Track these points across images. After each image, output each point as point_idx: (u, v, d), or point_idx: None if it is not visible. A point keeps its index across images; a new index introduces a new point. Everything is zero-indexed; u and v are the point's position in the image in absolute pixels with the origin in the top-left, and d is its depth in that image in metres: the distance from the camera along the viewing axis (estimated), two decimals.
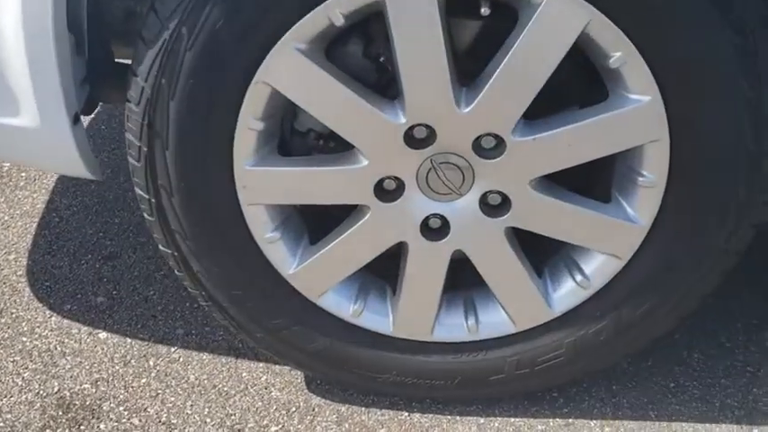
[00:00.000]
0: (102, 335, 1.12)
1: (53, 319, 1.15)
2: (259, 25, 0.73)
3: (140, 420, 1.00)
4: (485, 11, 0.76)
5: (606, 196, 0.88)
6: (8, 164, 1.52)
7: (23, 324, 1.14)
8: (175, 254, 0.88)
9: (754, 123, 0.79)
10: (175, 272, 0.91)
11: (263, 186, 0.84)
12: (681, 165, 0.81)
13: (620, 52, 0.74)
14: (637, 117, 0.78)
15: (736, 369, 1.08)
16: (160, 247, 0.89)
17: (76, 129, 0.83)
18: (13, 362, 1.07)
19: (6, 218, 1.36)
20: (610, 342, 0.94)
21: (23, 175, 1.49)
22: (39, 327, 1.13)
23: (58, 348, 1.10)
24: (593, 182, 0.88)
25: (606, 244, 0.88)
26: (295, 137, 0.88)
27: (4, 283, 1.21)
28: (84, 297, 1.19)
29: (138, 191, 0.85)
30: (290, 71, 0.76)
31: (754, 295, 1.19)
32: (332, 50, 0.80)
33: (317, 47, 0.77)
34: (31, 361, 1.08)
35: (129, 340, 1.11)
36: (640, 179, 0.83)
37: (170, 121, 0.77)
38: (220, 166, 0.81)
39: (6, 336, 1.12)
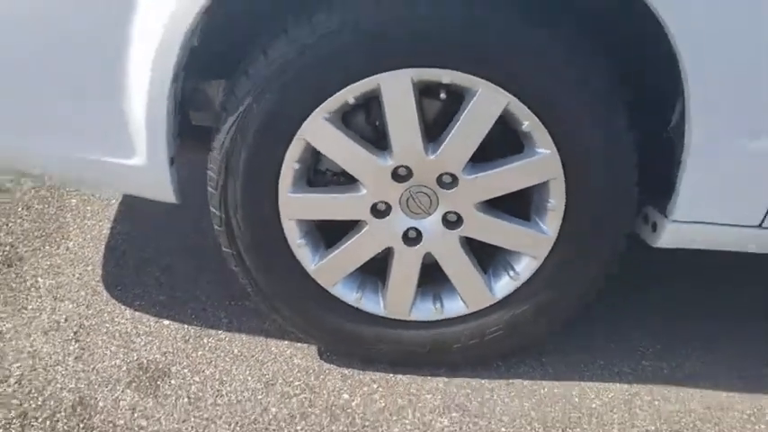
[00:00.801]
0: (166, 322, 1.51)
1: (127, 311, 1.53)
2: (300, 103, 1.16)
3: (200, 378, 1.38)
4: (443, 95, 1.20)
5: (527, 216, 1.30)
6: (75, 200, 1.93)
7: (105, 315, 1.52)
8: (234, 253, 1.28)
9: (621, 166, 1.21)
10: (232, 266, 1.31)
11: (297, 207, 1.26)
12: (573, 194, 1.23)
13: (528, 122, 1.17)
14: (542, 163, 1.21)
15: (630, 348, 1.49)
16: (223, 248, 1.29)
17: (172, 168, 1.24)
18: (101, 340, 1.45)
19: (80, 240, 1.75)
20: (533, 321, 1.35)
21: (89, 208, 1.88)
22: (117, 317, 1.51)
23: (134, 331, 1.48)
24: (519, 206, 1.30)
25: (528, 249, 1.30)
26: (317, 174, 1.30)
27: (87, 287, 1.59)
28: (149, 296, 1.58)
29: (212, 209, 1.26)
30: (319, 132, 1.18)
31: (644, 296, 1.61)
32: (346, 118, 1.23)
33: (336, 116, 1.19)
34: (115, 339, 1.46)
35: (186, 326, 1.50)
36: (548, 204, 1.25)
37: (241, 163, 1.19)
38: (270, 193, 1.22)
39: (93, 323, 1.50)
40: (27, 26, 1.14)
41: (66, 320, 1.49)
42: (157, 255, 1.70)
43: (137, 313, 1.53)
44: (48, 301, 1.54)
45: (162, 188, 1.25)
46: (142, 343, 1.45)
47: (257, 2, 1.17)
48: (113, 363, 1.40)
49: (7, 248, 1.69)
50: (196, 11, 1.08)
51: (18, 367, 1.37)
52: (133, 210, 1.88)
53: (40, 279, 1.60)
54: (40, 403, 1.30)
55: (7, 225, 1.78)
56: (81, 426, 1.26)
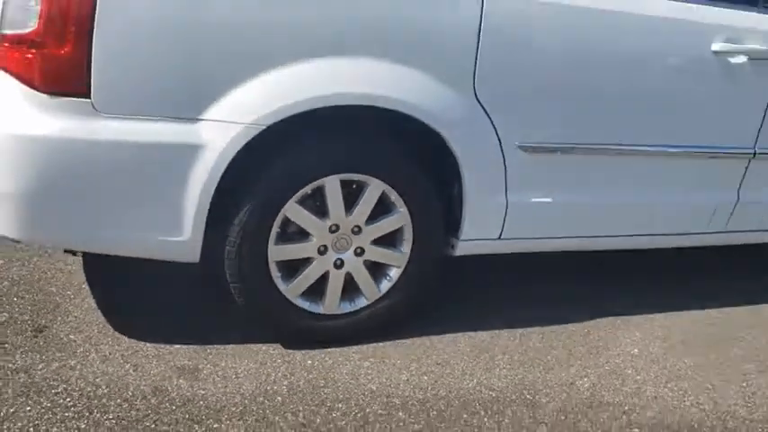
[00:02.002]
0: (199, 331, 2.34)
1: (169, 326, 2.33)
2: (284, 194, 2.19)
3: (226, 363, 2.24)
4: (354, 186, 2.31)
5: (395, 244, 2.44)
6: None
7: (154, 329, 2.30)
8: (240, 285, 2.23)
9: (435, 215, 2.43)
10: (238, 297, 2.25)
11: (277, 253, 2.25)
12: (416, 231, 2.41)
13: (393, 196, 2.33)
14: (401, 216, 2.37)
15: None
16: (231, 283, 2.23)
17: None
18: (160, 341, 2.24)
19: (84, 305, 2.48)
20: (400, 305, 2.48)
21: (73, 277, 2.60)
22: (162, 329, 2.31)
23: (175, 334, 2.29)
24: (391, 239, 2.45)
25: (396, 262, 2.44)
26: (285, 233, 2.31)
27: (108, 331, 2.35)
28: (183, 316, 2.38)
29: (227, 260, 2.20)
30: (292, 209, 2.21)
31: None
32: (304, 200, 2.27)
33: (301, 199, 2.24)
34: (179, 337, 2.25)
35: (209, 335, 2.35)
36: (404, 237, 2.41)
37: (250, 229, 2.17)
38: (263, 246, 2.21)
39: (147, 330, 2.27)
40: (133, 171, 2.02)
41: (110, 353, 2.25)
42: (184, 290, 2.51)
43: (175, 326, 2.34)
44: (88, 346, 2.28)
45: (194, 254, 2.16)
46: (180, 344, 2.27)
47: (262, 147, 2.15)
48: (154, 362, 2.20)
49: (27, 321, 2.37)
50: (232, 156, 2.06)
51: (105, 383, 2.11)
52: (96, 271, 2.64)
53: (71, 335, 2.32)
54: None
55: (12, 304, 2.44)
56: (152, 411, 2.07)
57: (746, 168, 2.79)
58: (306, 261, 2.33)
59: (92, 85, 1.91)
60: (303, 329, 2.38)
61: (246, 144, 2.05)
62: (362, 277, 2.40)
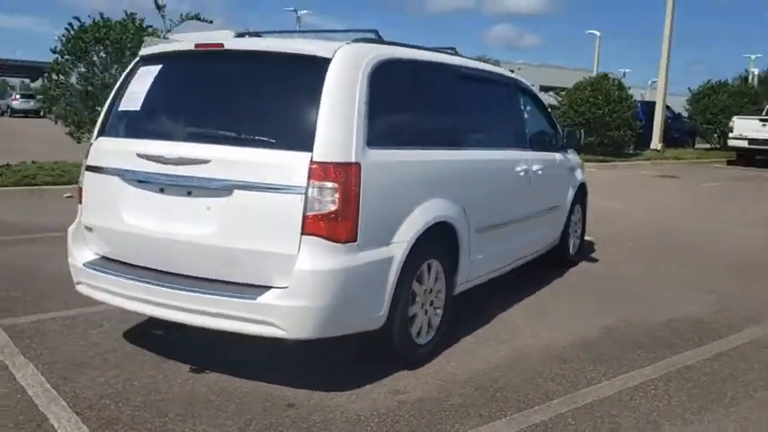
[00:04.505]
0: (360, 373, 3.79)
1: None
2: (412, 278, 3.93)
3: (390, 383, 3.80)
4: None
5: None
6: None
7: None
8: (390, 335, 3.86)
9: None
10: (380, 343, 3.86)
11: (409, 311, 3.95)
12: (447, 285, 4.35)
13: (438, 267, 4.24)
14: (442, 278, 4.29)
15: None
16: (384, 333, 3.84)
17: None
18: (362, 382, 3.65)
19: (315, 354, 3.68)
20: (443, 332, 4.36)
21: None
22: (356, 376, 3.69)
23: (369, 376, 3.71)
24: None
25: (441, 306, 4.32)
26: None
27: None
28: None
29: (388, 319, 3.82)
30: (415, 286, 3.96)
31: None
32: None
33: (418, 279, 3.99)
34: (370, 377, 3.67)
35: (367, 372, 3.82)
36: (441, 289, 4.32)
37: (402, 301, 3.86)
38: (406, 308, 3.91)
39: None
40: None
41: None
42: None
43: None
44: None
45: (383, 321, 3.75)
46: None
47: None
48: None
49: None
50: (403, 261, 3.74)
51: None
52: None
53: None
54: None
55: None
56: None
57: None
58: (415, 315, 4.05)
59: (358, 234, 3.44)
60: (413, 356, 4.06)
61: (408, 252, 3.77)
62: (434, 318, 4.22)
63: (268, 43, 3.86)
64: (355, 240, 3.42)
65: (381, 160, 3.60)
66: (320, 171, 3.31)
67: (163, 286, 3.56)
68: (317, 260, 3.33)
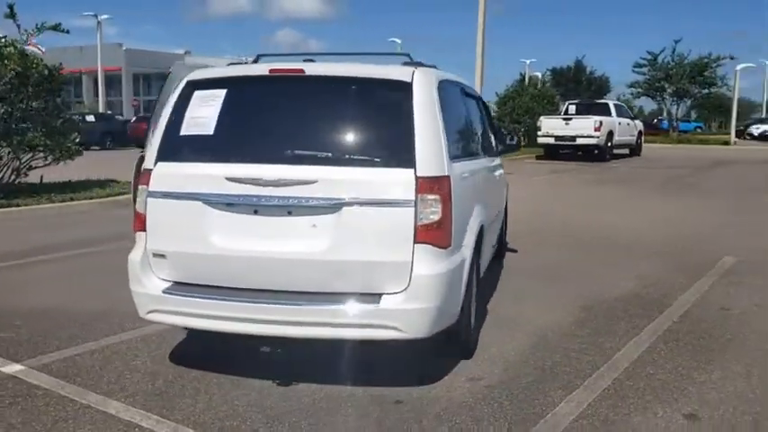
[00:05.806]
0: (427, 363, 4.16)
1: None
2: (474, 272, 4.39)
3: (458, 368, 4.23)
4: None
5: None
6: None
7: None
8: (461, 328, 4.30)
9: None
10: (450, 337, 4.28)
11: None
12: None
13: None
14: None
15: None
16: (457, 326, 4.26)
17: None
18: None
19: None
20: None
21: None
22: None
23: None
24: None
25: None
26: None
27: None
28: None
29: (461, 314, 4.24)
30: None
31: None
32: None
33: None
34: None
35: (430, 364, 4.20)
36: None
37: (471, 297, 4.30)
38: (469, 303, 4.35)
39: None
40: None
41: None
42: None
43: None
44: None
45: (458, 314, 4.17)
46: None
47: None
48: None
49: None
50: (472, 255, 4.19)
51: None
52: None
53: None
54: None
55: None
56: None
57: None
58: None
59: (451, 240, 3.83)
60: (473, 346, 4.52)
61: (472, 253, 4.24)
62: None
63: (346, 69, 4.08)
64: (451, 245, 3.81)
65: (458, 172, 4.02)
66: (425, 185, 3.66)
67: (262, 303, 3.67)
68: (430, 265, 3.67)
